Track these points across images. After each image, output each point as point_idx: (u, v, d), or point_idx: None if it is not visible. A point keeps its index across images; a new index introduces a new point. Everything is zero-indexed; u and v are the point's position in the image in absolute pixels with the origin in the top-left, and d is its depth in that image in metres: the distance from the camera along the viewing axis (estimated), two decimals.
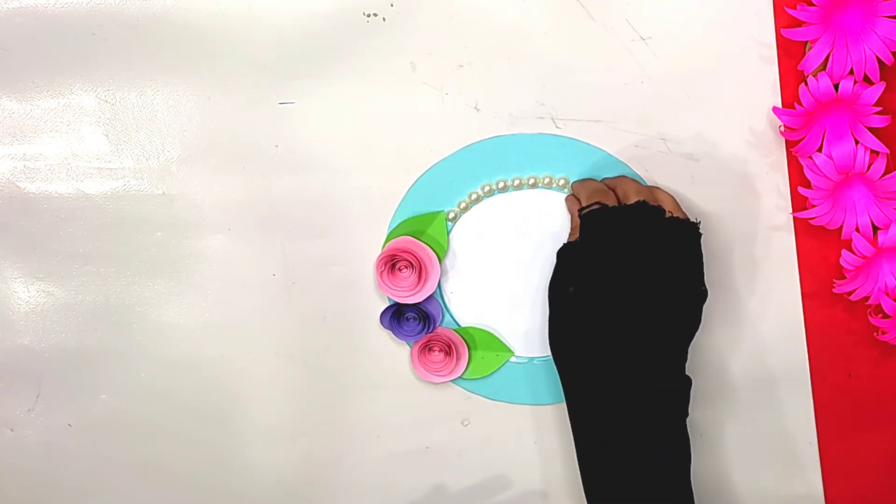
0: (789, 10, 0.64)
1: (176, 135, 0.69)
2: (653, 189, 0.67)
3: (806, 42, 0.66)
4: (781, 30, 0.66)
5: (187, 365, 0.73)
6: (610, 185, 0.68)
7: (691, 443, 0.64)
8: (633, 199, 0.64)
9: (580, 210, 0.66)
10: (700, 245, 0.64)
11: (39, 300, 0.73)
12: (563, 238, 0.69)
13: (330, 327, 0.73)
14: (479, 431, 0.74)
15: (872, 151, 0.65)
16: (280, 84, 0.68)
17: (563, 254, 0.66)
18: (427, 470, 0.75)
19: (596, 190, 0.66)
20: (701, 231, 0.64)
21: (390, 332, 0.72)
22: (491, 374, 0.73)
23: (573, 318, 0.64)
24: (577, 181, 0.70)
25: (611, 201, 0.65)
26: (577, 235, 0.66)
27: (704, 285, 0.64)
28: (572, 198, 0.69)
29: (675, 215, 0.64)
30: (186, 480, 0.76)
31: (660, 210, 0.64)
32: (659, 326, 0.62)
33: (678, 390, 0.63)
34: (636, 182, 0.67)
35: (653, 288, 0.62)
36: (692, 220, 0.64)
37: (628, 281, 0.62)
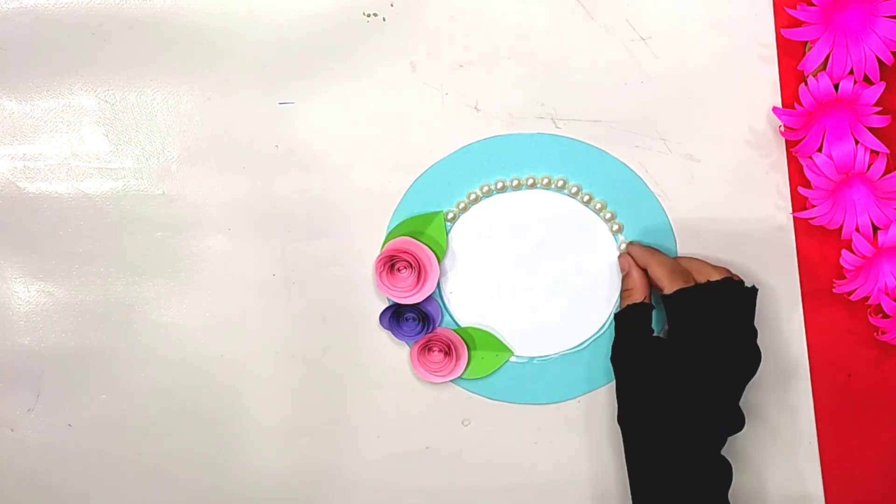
0: (789, 10, 0.64)
1: (176, 135, 0.69)
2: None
3: (806, 42, 0.66)
4: (781, 30, 0.65)
5: (187, 365, 0.73)
6: (682, 265, 0.68)
7: None
8: (715, 277, 0.65)
9: (669, 294, 0.65)
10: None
11: (39, 300, 0.73)
12: (562, 238, 0.69)
13: (330, 327, 0.73)
14: (479, 431, 0.74)
15: (872, 151, 0.65)
16: (280, 84, 0.68)
17: (631, 317, 0.67)
18: (427, 470, 0.75)
19: (676, 270, 0.66)
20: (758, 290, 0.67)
21: (390, 333, 0.72)
22: (491, 374, 0.73)
23: (653, 383, 0.65)
24: (652, 257, 0.68)
25: (691, 280, 0.66)
26: (639, 298, 0.67)
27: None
28: (634, 264, 0.69)
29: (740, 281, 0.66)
30: (186, 480, 0.76)
31: (740, 282, 0.66)
32: (728, 383, 0.65)
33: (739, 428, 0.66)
34: (704, 261, 0.68)
35: (733, 355, 0.65)
36: (748, 285, 0.67)
37: (711, 352, 0.65)
